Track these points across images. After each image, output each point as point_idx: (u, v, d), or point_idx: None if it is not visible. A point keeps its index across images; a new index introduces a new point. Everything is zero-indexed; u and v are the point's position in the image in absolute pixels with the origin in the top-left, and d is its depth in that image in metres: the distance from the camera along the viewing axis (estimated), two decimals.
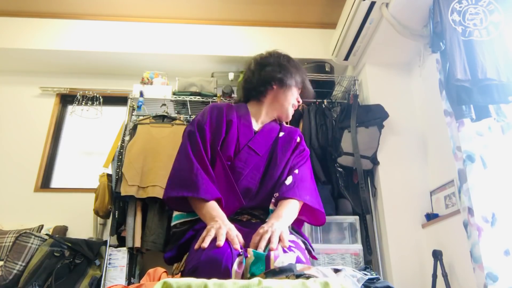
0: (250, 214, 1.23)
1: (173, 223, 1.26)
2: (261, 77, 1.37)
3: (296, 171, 1.27)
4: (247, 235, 1.06)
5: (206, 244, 0.96)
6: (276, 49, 1.46)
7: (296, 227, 1.28)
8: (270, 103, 1.39)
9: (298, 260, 0.94)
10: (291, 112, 1.42)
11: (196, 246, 0.98)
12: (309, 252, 1.21)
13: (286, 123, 1.47)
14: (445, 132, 2.31)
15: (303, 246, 1.12)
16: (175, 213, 1.27)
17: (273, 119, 1.41)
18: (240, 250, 0.96)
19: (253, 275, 0.88)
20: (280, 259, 0.90)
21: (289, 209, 1.16)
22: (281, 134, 1.35)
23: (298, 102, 1.43)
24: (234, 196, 1.19)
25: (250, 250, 0.94)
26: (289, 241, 1.04)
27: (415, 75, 3.05)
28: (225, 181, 1.20)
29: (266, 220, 1.15)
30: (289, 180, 1.22)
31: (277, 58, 1.41)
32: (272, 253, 0.92)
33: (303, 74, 1.44)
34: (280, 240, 1.00)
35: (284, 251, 0.96)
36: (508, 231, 1.89)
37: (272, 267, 0.89)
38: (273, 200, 1.21)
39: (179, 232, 1.21)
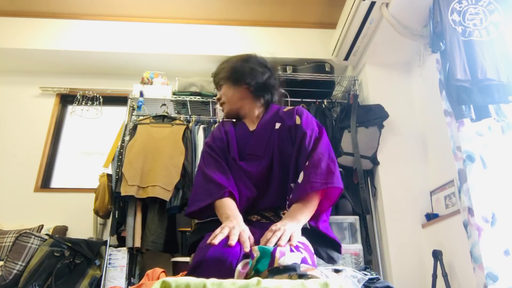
0: (260, 215, 1.24)
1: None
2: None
3: (307, 163, 1.20)
4: (257, 236, 1.06)
5: (217, 241, 0.96)
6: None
7: (314, 224, 1.22)
8: (243, 100, 1.42)
9: (304, 261, 0.94)
10: (225, 109, 1.43)
11: (207, 241, 0.98)
12: (338, 249, 1.20)
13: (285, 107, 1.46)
14: (445, 132, 2.31)
15: (311, 250, 1.11)
16: None
17: (259, 111, 1.40)
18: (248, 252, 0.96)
19: (257, 271, 0.88)
20: (285, 257, 0.90)
21: (302, 209, 1.13)
22: (277, 125, 1.32)
23: (218, 99, 1.46)
24: (244, 185, 1.23)
25: (256, 248, 0.94)
26: (299, 242, 1.04)
27: (415, 75, 3.05)
28: (236, 173, 1.25)
29: (280, 220, 1.15)
30: (300, 177, 1.18)
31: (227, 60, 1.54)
32: (278, 250, 0.92)
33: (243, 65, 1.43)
34: (289, 239, 1.00)
35: (291, 250, 0.96)
36: (508, 231, 1.89)
37: (276, 264, 0.89)
38: (288, 202, 1.20)
39: (203, 227, 1.25)
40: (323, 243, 1.20)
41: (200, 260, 0.93)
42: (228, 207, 1.15)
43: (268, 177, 1.25)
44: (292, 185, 1.21)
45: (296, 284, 0.70)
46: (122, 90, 3.59)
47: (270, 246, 0.95)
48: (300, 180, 1.17)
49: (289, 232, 1.01)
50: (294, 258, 0.92)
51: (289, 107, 1.40)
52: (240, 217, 1.11)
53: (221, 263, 0.90)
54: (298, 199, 1.15)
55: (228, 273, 0.87)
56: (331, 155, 1.23)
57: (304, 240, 1.10)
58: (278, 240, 0.98)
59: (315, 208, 1.17)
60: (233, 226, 1.02)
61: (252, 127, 1.37)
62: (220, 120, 3.03)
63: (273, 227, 1.04)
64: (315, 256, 1.12)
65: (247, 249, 0.96)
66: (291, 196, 1.18)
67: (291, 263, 0.89)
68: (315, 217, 1.22)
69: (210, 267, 0.89)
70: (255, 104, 1.40)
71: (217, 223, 1.13)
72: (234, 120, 1.45)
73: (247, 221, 1.16)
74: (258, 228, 1.12)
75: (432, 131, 2.78)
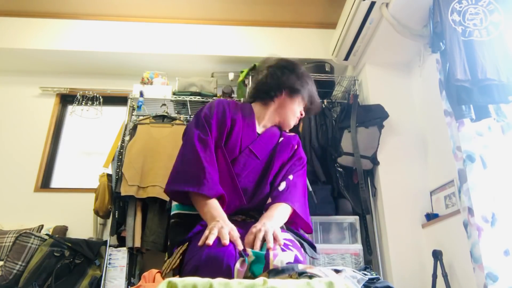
0: (245, 214, 1.25)
1: (173, 212, 1.25)
2: (277, 81, 1.36)
3: (291, 177, 1.28)
4: (243, 235, 1.07)
5: (211, 241, 0.96)
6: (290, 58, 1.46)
7: (293, 227, 1.28)
8: (275, 109, 1.38)
9: (296, 259, 0.95)
10: (293, 122, 1.42)
11: (200, 243, 0.98)
12: (313, 249, 1.22)
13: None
14: (445, 132, 2.31)
15: (298, 244, 1.12)
16: (175, 203, 1.27)
17: (274, 124, 1.41)
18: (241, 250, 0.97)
19: (253, 274, 0.89)
20: (279, 258, 0.91)
21: (280, 211, 1.17)
22: (281, 139, 1.36)
23: (301, 114, 1.44)
24: (235, 194, 1.20)
25: (249, 250, 0.95)
26: (285, 239, 1.05)
27: (415, 75, 3.05)
28: (228, 179, 1.21)
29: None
30: (282, 186, 1.24)
31: (295, 66, 1.41)
32: (271, 252, 0.92)
33: (313, 88, 1.45)
34: (274, 239, 1.00)
35: (283, 250, 0.97)
36: (508, 231, 1.89)
37: (271, 266, 0.89)
38: (266, 206, 1.23)
39: (182, 224, 1.20)
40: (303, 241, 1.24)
41: (196, 265, 0.93)
42: (214, 207, 1.13)
43: (258, 182, 1.26)
44: (279, 188, 1.25)
45: (302, 284, 0.71)
46: (122, 90, 3.59)
47: (256, 250, 0.96)
48: (281, 188, 1.23)
49: (270, 231, 1.01)
50: (287, 258, 0.93)
51: (290, 133, 1.45)
52: (225, 216, 1.11)
53: (218, 265, 0.90)
54: (277, 203, 1.19)
55: (226, 274, 0.87)
56: (305, 190, 1.33)
57: (289, 236, 1.11)
58: (263, 242, 0.99)
59: (288, 217, 1.22)
60: (221, 226, 1.02)
61: (259, 129, 1.36)
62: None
63: (253, 229, 1.05)
64: (303, 250, 1.14)
65: (240, 247, 0.97)
66: (270, 200, 1.22)
67: (285, 263, 0.89)
68: (294, 225, 1.30)
69: (207, 271, 0.89)
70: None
71: (196, 219, 1.14)
72: (244, 105, 1.41)
73: (232, 221, 1.15)
74: (244, 228, 1.13)
75: (432, 131, 2.78)
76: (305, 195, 1.31)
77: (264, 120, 1.37)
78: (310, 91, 1.42)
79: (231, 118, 1.29)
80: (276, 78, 1.36)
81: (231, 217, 1.19)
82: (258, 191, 1.24)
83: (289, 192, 1.23)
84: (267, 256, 0.91)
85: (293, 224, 1.30)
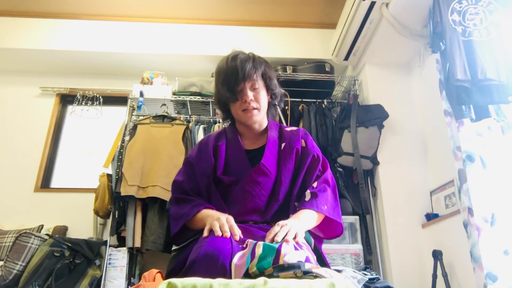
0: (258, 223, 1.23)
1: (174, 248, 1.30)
2: (216, 98, 1.35)
3: (315, 184, 1.23)
4: (254, 236, 1.07)
5: (218, 233, 1.01)
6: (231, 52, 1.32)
7: (318, 244, 1.25)
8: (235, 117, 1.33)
9: (307, 260, 0.95)
10: (246, 116, 1.27)
11: (204, 235, 1.03)
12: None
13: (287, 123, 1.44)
14: (445, 132, 2.31)
15: (312, 252, 1.11)
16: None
17: (262, 127, 1.34)
18: (244, 245, 0.97)
19: (261, 267, 0.88)
20: (289, 256, 0.91)
21: (307, 215, 1.16)
22: (283, 145, 1.29)
23: (245, 101, 1.24)
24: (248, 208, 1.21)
25: (260, 244, 0.94)
26: (303, 243, 1.05)
27: (415, 75, 3.05)
28: (220, 206, 1.21)
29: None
30: (307, 196, 1.21)
31: (215, 72, 1.33)
32: (283, 249, 0.92)
33: (220, 81, 1.29)
34: (294, 236, 1.02)
35: (296, 249, 0.96)
36: (508, 231, 1.89)
37: (281, 261, 0.89)
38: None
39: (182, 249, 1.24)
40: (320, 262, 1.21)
41: (193, 260, 0.95)
42: (204, 213, 1.15)
43: (269, 197, 1.23)
44: (296, 203, 1.22)
45: (303, 284, 0.71)
46: (122, 90, 3.58)
47: (278, 239, 0.98)
48: (307, 199, 1.20)
49: (294, 229, 1.03)
50: (299, 256, 0.93)
51: (292, 128, 1.37)
52: (217, 212, 1.14)
53: (213, 261, 0.91)
54: (303, 210, 1.18)
55: (221, 270, 0.88)
56: (335, 187, 1.27)
57: (305, 242, 1.11)
58: (285, 235, 1.00)
59: (317, 223, 1.20)
60: (218, 217, 1.07)
61: (248, 144, 1.31)
62: (219, 122, 3.03)
63: (281, 222, 1.06)
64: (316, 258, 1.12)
65: (236, 237, 1.00)
66: (297, 210, 1.20)
67: (296, 261, 0.89)
68: (319, 240, 1.28)
69: (203, 266, 0.91)
70: (264, 117, 1.34)
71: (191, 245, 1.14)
72: (224, 130, 1.37)
73: (244, 222, 1.16)
74: (257, 228, 1.13)
75: (432, 131, 2.78)
76: (336, 195, 1.26)
77: (254, 129, 1.32)
78: (219, 88, 1.31)
79: (213, 147, 1.28)
80: (215, 94, 1.34)
81: (243, 224, 1.18)
82: (269, 207, 1.22)
83: (316, 198, 1.19)
84: (279, 249, 0.91)
85: (319, 239, 1.28)
